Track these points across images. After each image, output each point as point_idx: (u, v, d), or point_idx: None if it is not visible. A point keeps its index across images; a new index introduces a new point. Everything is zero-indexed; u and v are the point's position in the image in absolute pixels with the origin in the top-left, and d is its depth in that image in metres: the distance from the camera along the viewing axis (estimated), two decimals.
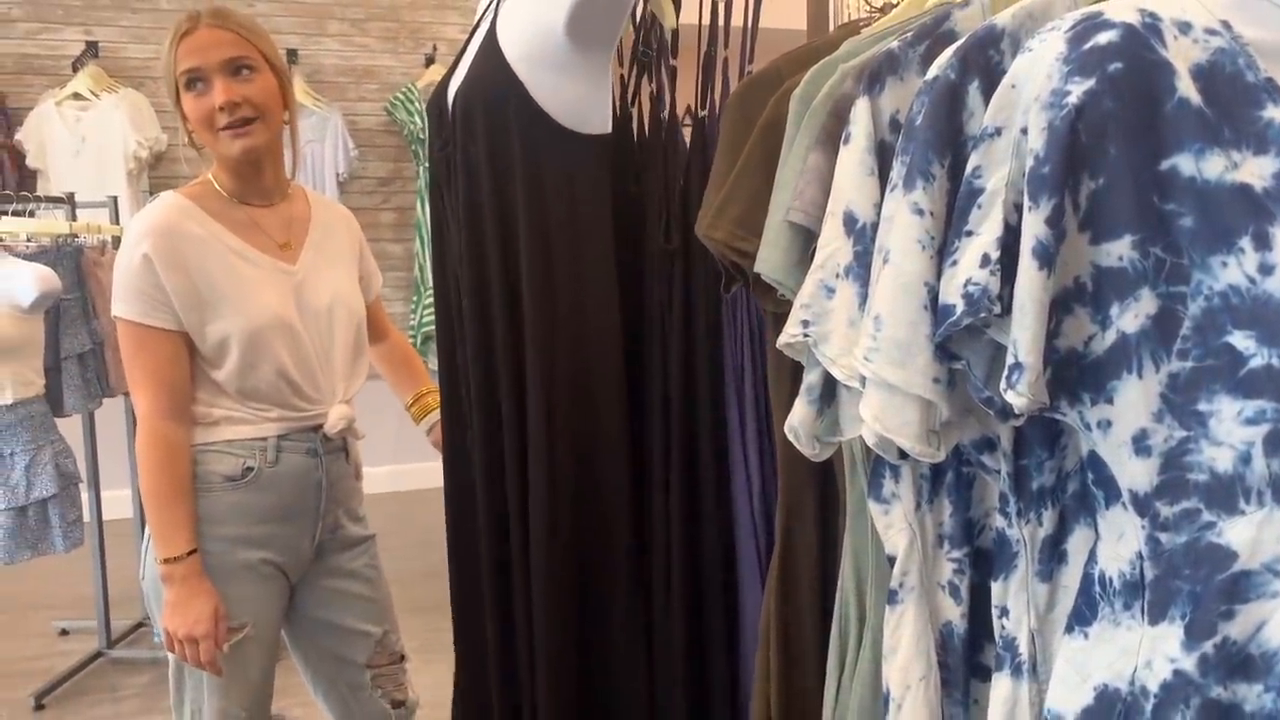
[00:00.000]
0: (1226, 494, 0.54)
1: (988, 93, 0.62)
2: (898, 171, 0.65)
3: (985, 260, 0.59)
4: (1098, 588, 0.61)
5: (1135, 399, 0.56)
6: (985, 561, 0.74)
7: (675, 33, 1.28)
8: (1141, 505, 0.57)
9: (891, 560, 0.76)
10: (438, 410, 1.53)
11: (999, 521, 0.71)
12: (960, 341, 0.62)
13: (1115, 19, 0.56)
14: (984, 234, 0.59)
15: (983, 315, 0.58)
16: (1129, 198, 0.55)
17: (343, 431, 1.45)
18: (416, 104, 4.25)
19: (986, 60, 0.64)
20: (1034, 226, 0.55)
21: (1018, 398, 0.57)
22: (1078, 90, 0.55)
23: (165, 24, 1.35)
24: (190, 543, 1.31)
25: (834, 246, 0.71)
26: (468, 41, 1.35)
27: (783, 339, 0.74)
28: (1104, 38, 0.55)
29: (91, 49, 3.94)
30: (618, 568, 1.26)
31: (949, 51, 0.65)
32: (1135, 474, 0.57)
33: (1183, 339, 0.55)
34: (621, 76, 1.33)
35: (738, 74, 1.26)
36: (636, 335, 1.28)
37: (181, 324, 1.31)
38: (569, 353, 1.22)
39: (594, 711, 1.27)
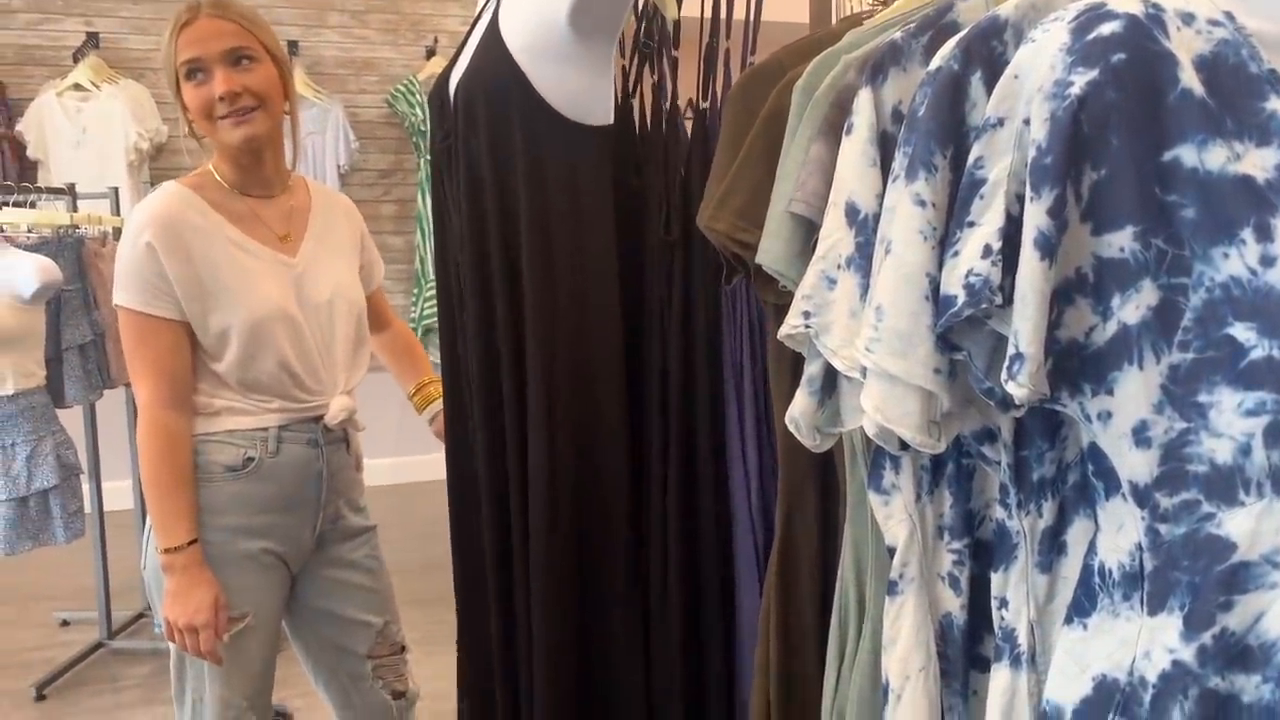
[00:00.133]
0: (1226, 485, 0.54)
1: (990, 83, 0.62)
2: (900, 162, 0.65)
3: (987, 251, 0.59)
4: (1097, 579, 0.61)
5: (1136, 390, 0.56)
6: (985, 553, 0.74)
7: (677, 24, 1.28)
8: (1141, 496, 0.57)
9: (891, 551, 0.76)
10: (440, 400, 1.53)
11: (999, 513, 0.71)
12: (961, 332, 0.62)
13: (1119, 9, 0.56)
14: (986, 224, 0.59)
15: (984, 306, 0.58)
16: (1131, 188, 0.55)
17: (344, 423, 1.45)
18: (418, 96, 4.24)
19: (989, 51, 0.64)
20: (1036, 217, 0.55)
21: (1018, 388, 0.57)
22: (1081, 81, 0.55)
23: (166, 15, 1.35)
24: (191, 533, 1.31)
25: (836, 237, 0.71)
26: (469, 32, 1.35)
27: (784, 330, 0.74)
28: (1107, 28, 0.55)
29: (92, 40, 3.93)
30: (617, 560, 1.26)
31: (952, 42, 0.65)
32: (1135, 465, 0.57)
33: (1184, 330, 0.55)
34: (623, 68, 1.33)
35: (739, 66, 1.25)
36: (636, 328, 1.28)
37: (183, 314, 1.31)
38: (570, 345, 1.22)
39: (592, 703, 1.28)
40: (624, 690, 1.28)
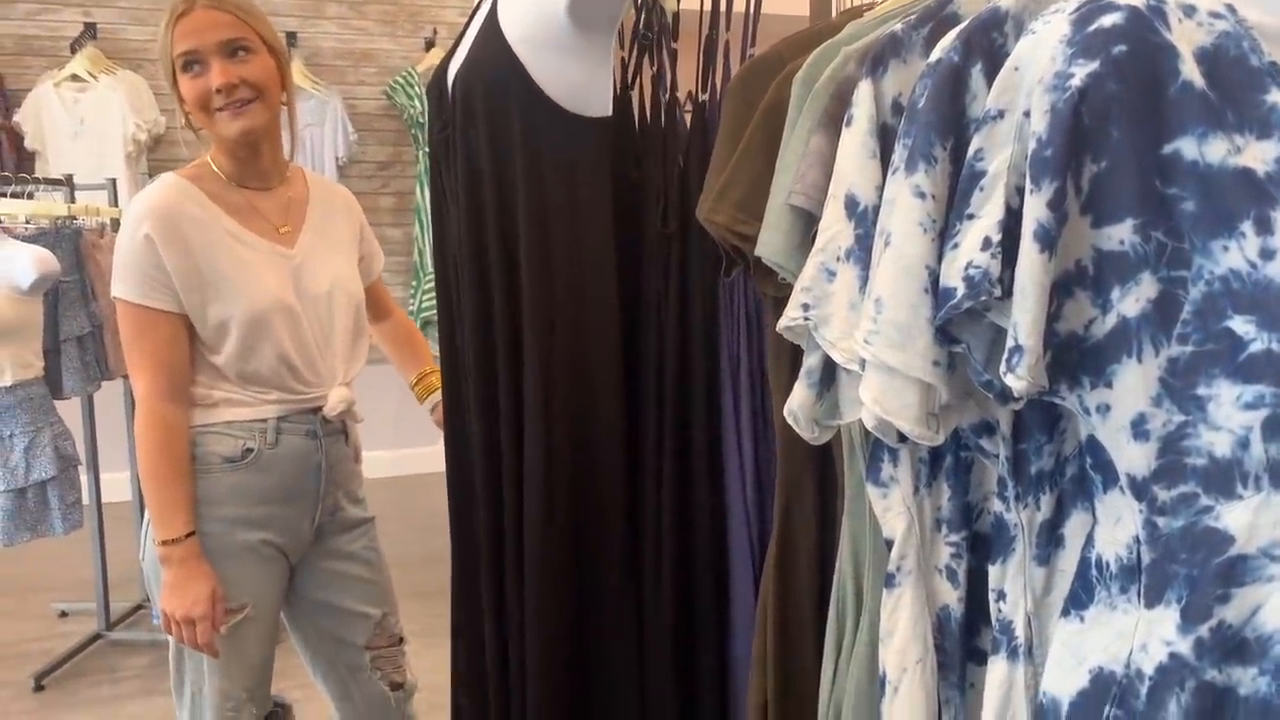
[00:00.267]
0: (1224, 478, 0.54)
1: (991, 75, 0.62)
2: (900, 154, 0.64)
3: (986, 243, 0.58)
4: (1094, 571, 0.61)
5: (1134, 383, 0.56)
6: (983, 545, 0.75)
7: (677, 15, 1.27)
8: (1139, 489, 0.57)
9: (889, 543, 0.76)
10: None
11: (997, 505, 0.71)
12: (960, 324, 0.62)
13: (1120, 1, 0.56)
14: (985, 217, 0.59)
15: (983, 298, 0.58)
16: (1131, 181, 0.55)
17: (342, 414, 1.45)
18: (416, 88, 4.23)
19: (990, 43, 0.64)
20: (1035, 209, 0.55)
21: (1017, 381, 0.57)
22: (1081, 73, 0.55)
23: (164, 5, 1.34)
24: (188, 525, 1.31)
25: (835, 229, 0.71)
26: (468, 23, 1.34)
27: (783, 322, 0.74)
28: (1108, 20, 0.55)
29: (90, 30, 3.92)
30: (613, 553, 1.26)
31: (952, 34, 0.65)
32: (1133, 458, 0.57)
33: (1183, 323, 0.55)
34: (622, 59, 1.33)
35: (739, 58, 1.25)
36: (633, 320, 1.28)
37: (182, 305, 1.31)
38: (567, 337, 1.22)
39: (587, 696, 1.28)
40: (618, 683, 1.28)
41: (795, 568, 1.00)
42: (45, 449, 2.30)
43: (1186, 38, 0.56)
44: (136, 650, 2.79)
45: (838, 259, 0.71)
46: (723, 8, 1.26)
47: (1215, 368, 0.54)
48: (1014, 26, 0.64)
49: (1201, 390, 0.55)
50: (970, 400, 0.68)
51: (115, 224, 2.76)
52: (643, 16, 1.29)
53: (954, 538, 0.75)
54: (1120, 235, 0.56)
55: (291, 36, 4.15)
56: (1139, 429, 0.57)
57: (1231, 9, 0.57)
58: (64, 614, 3.02)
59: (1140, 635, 0.57)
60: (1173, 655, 0.55)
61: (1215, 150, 0.54)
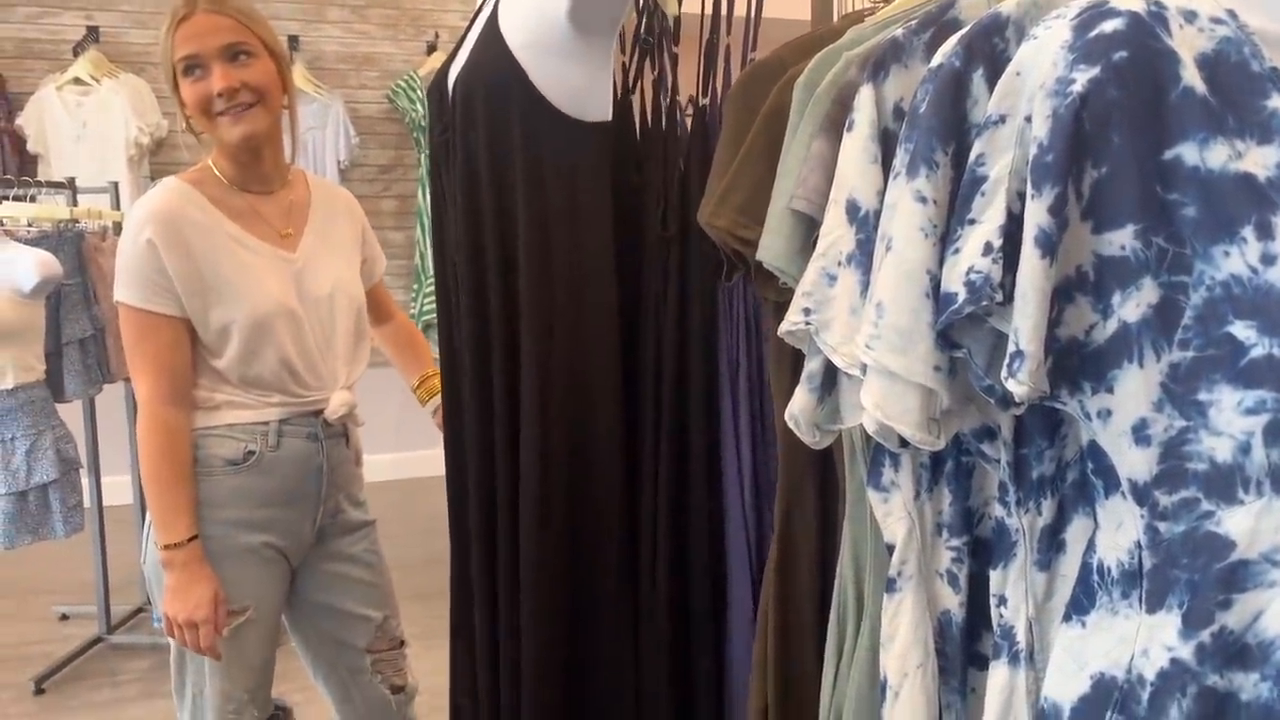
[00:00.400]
0: (1225, 483, 0.54)
1: (992, 80, 0.62)
2: (901, 159, 0.64)
3: (987, 248, 0.58)
4: (1096, 576, 0.61)
5: (1136, 388, 0.56)
6: (984, 550, 0.75)
7: (677, 20, 1.27)
8: (1141, 494, 0.57)
9: (890, 548, 0.76)
10: None
11: (998, 510, 0.71)
12: (962, 329, 0.62)
13: (1121, 7, 0.56)
14: (986, 222, 0.59)
15: (984, 303, 0.58)
16: (1132, 187, 0.55)
17: (344, 417, 1.45)
18: (418, 92, 4.24)
19: (991, 48, 0.64)
20: (1037, 215, 0.55)
21: (1018, 386, 0.57)
22: (1082, 78, 0.55)
23: (166, 9, 1.34)
24: (191, 529, 1.31)
25: (836, 234, 0.71)
26: (469, 27, 1.34)
27: (784, 326, 0.74)
28: (1109, 26, 0.55)
29: (92, 34, 3.92)
30: (609, 558, 1.26)
31: (954, 39, 0.65)
32: (1135, 463, 0.57)
33: (1184, 328, 0.55)
34: (623, 64, 1.33)
35: (740, 62, 1.25)
36: (632, 325, 1.28)
37: (184, 310, 1.31)
38: (565, 341, 1.22)
39: (583, 700, 1.28)
40: (614, 687, 1.28)
41: (796, 572, 1.00)
42: (47, 452, 2.30)
43: (1188, 43, 0.56)
44: (137, 653, 2.79)
45: (839, 264, 0.71)
46: (724, 12, 1.26)
47: (1216, 373, 0.54)
48: (1015, 32, 0.64)
49: (1203, 395, 0.55)
50: (971, 405, 0.68)
51: (117, 227, 2.77)
52: (644, 21, 1.29)
53: (955, 543, 0.75)
54: (1121, 240, 0.56)
55: (294, 40, 4.16)
56: (1140, 434, 0.57)
57: (1232, 14, 0.57)
58: (65, 617, 3.02)
59: (1142, 640, 0.57)
60: (1174, 661, 0.55)
61: (1216, 156, 0.55)
